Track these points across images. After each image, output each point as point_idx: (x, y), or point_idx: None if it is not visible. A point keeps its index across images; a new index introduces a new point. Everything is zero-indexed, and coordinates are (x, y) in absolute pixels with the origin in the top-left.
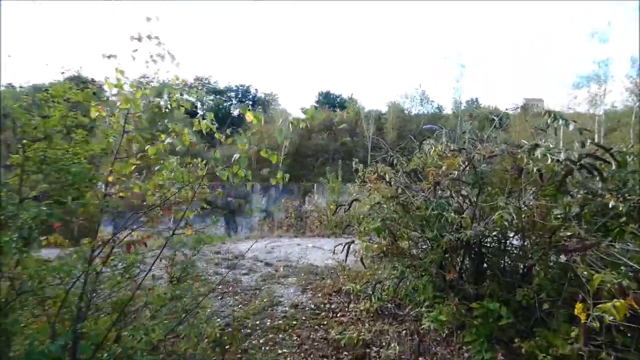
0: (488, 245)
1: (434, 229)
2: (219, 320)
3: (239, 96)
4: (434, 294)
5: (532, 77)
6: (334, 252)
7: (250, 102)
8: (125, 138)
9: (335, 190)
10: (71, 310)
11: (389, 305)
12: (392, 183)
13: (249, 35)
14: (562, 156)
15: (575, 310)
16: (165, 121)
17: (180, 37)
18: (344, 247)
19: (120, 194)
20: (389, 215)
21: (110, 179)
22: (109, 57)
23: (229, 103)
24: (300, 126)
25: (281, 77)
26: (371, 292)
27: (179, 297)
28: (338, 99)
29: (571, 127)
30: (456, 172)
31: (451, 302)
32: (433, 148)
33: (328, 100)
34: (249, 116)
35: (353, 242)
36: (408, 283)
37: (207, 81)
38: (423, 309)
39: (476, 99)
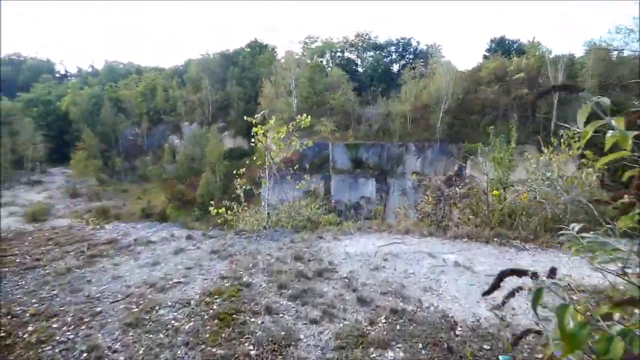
0: None
1: None
2: None
3: (399, 50)
4: None
5: None
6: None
7: (411, 56)
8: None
9: (503, 164)
10: None
11: None
12: None
13: None
14: None
15: None
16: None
17: None
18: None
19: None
20: None
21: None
22: None
23: (389, 58)
24: None
25: (446, 26)
26: None
27: None
28: (515, 45)
29: None
30: None
31: None
32: None
33: (502, 48)
34: None
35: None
36: None
37: (367, 37)
38: None
39: None
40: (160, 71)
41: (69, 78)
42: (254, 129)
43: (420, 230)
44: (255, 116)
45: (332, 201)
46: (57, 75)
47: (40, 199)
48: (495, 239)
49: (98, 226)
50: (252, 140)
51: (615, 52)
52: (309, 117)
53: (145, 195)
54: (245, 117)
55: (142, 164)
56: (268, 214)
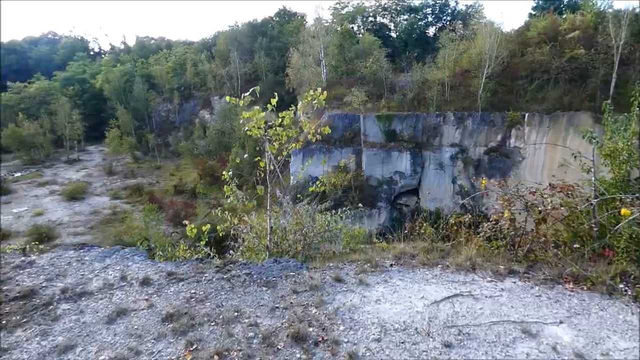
0: None
1: None
2: None
3: (436, 12)
4: None
5: None
6: None
7: (448, 18)
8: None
9: (622, 159)
10: None
11: None
12: None
13: None
14: None
15: None
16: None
17: None
18: None
19: None
20: None
21: None
22: None
23: (424, 21)
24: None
25: None
26: None
27: None
28: (566, 1)
29: None
30: None
31: None
32: None
33: (551, 4)
34: None
35: None
36: None
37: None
38: None
39: None
40: (190, 45)
41: (103, 55)
42: (244, 114)
43: (493, 266)
44: (243, 96)
45: (364, 176)
46: (92, 53)
47: (79, 177)
48: (622, 286)
49: (32, 256)
50: (245, 129)
51: None
52: (325, 93)
53: (178, 171)
54: (228, 98)
55: (175, 140)
56: (271, 228)
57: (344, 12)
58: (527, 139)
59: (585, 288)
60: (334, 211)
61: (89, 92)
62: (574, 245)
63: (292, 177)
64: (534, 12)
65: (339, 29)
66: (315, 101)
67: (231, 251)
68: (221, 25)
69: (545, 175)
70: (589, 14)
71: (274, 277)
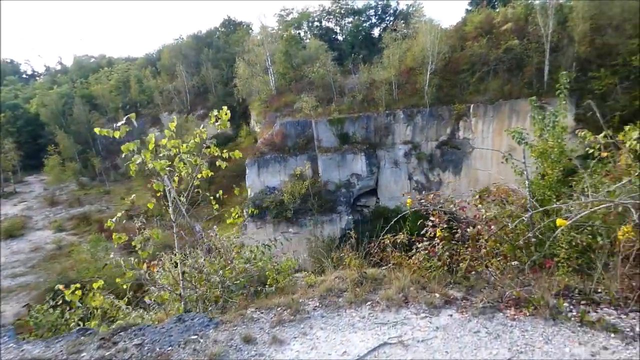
0: None
1: None
2: None
3: (379, 13)
4: None
5: None
6: None
7: (391, 18)
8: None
9: (554, 157)
10: None
11: None
12: None
13: None
14: None
15: None
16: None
17: None
18: None
19: None
20: None
21: None
22: None
23: (369, 23)
24: None
25: None
26: None
27: None
28: None
29: None
30: None
31: None
32: None
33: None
34: None
35: None
36: None
37: (344, 2)
38: None
39: None
40: (133, 61)
41: (37, 78)
42: (123, 147)
43: (428, 296)
44: (116, 126)
45: (322, 182)
46: (25, 76)
47: (16, 212)
48: (567, 304)
49: None
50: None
51: None
52: (229, 113)
53: (129, 194)
54: (97, 130)
55: (124, 161)
56: (183, 273)
57: (289, 18)
58: (475, 129)
59: (527, 313)
60: (260, 243)
61: (22, 118)
62: (513, 262)
63: (249, 191)
64: (469, 8)
65: (284, 35)
66: (218, 123)
67: (146, 299)
68: (165, 39)
69: (495, 162)
70: (519, 6)
71: (171, 344)
